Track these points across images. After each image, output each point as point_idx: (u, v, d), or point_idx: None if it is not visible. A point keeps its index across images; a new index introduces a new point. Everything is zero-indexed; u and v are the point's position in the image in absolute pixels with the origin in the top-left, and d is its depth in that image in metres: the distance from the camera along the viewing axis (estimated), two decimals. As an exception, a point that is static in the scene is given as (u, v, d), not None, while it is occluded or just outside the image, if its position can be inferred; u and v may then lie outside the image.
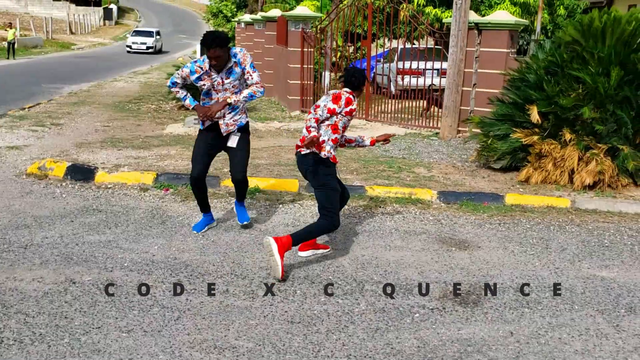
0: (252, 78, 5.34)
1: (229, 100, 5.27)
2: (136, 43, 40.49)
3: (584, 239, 5.95)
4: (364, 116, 12.91)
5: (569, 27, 8.22)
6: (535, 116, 7.61)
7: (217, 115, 5.35)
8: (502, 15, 10.96)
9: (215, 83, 5.32)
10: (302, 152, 4.94)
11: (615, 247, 5.74)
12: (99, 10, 59.59)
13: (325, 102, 4.90)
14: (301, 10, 14.15)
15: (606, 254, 5.57)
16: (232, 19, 32.99)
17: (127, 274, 4.68)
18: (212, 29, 46.43)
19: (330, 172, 4.91)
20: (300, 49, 13.55)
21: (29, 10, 53.30)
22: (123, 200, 6.63)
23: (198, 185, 5.58)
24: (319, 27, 13.71)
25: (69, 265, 4.79)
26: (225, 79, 5.31)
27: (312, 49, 13.64)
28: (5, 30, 33.05)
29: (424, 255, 5.39)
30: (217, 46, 5.10)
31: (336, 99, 4.88)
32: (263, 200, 6.72)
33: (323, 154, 4.85)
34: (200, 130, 5.59)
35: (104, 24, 59.01)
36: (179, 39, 53.49)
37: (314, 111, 4.88)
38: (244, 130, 5.54)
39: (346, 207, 6.66)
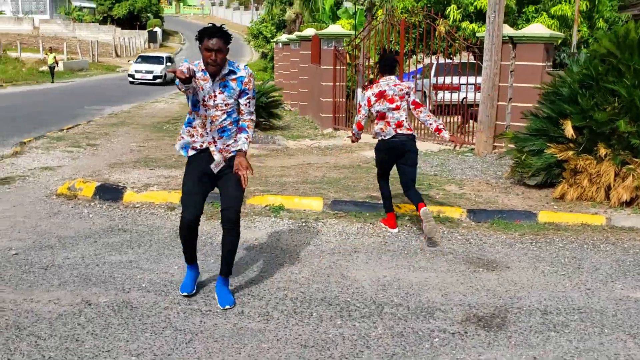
0: (249, 106, 4.45)
1: (245, 148, 4.34)
2: (140, 72, 31.89)
3: (619, 258, 5.68)
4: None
5: (604, 39, 7.96)
6: (569, 131, 7.37)
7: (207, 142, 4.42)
8: (537, 28, 10.72)
9: (207, 96, 4.31)
10: (410, 134, 6.05)
11: (653, 267, 5.47)
12: (144, 34, 60.91)
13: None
14: (333, 28, 14.16)
15: (642, 274, 5.30)
16: (272, 40, 33.30)
17: (144, 295, 4.65)
18: (253, 49, 46.93)
19: None
20: (332, 67, 13.53)
21: (77, 34, 54.88)
22: (149, 220, 6.64)
23: (192, 229, 4.55)
24: (352, 44, 13.68)
25: (87, 287, 4.78)
26: (219, 93, 4.32)
27: (344, 67, 13.61)
28: (46, 54, 33.74)
29: (449, 276, 5.21)
30: (220, 37, 4.17)
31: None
32: (287, 219, 6.64)
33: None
34: (188, 160, 4.52)
35: (149, 47, 60.20)
36: (220, 60, 54.22)
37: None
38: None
39: (371, 225, 6.54)
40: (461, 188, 8.10)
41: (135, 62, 33.58)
